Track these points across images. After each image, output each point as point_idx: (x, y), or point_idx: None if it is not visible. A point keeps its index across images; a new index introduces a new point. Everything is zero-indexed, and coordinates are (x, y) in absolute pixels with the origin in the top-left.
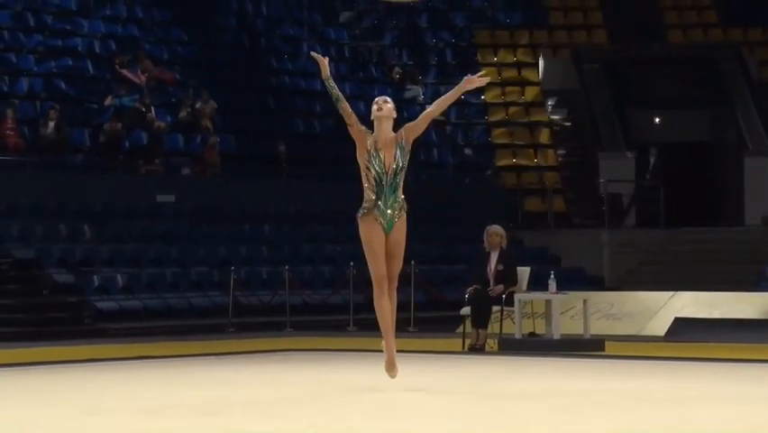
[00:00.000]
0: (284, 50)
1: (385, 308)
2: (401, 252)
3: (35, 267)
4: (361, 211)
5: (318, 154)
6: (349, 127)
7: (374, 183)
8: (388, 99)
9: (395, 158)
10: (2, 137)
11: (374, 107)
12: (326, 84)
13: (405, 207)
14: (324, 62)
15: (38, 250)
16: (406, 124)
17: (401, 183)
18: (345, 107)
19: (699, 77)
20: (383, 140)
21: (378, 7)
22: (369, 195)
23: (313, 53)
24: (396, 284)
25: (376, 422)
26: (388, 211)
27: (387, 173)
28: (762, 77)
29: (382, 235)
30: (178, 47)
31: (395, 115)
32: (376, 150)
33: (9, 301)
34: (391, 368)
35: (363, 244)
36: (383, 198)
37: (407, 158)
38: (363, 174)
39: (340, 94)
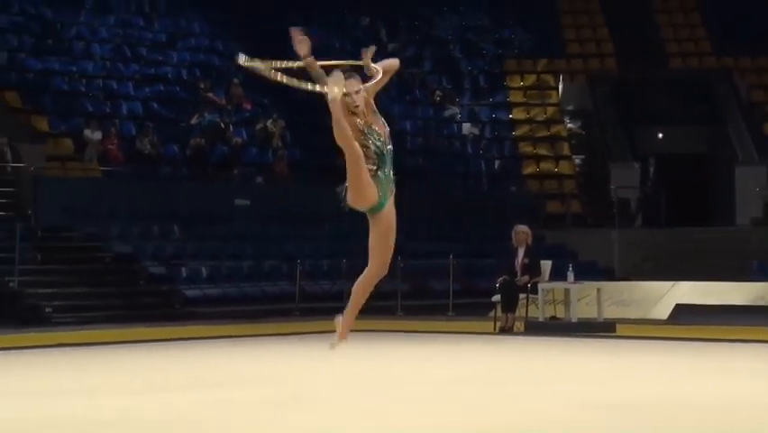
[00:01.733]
0: None
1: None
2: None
3: (133, 261)
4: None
5: None
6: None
7: (375, 157)
8: (359, 84)
9: (384, 124)
10: (106, 151)
11: (348, 100)
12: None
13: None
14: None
15: (135, 246)
16: (368, 87)
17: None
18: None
19: (696, 97)
20: (370, 115)
21: (418, 39)
22: (368, 165)
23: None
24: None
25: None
26: (388, 184)
27: (385, 143)
28: (750, 98)
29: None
30: (248, 75)
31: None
32: (368, 126)
33: (111, 289)
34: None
35: (382, 223)
36: (384, 168)
37: None
38: (357, 152)
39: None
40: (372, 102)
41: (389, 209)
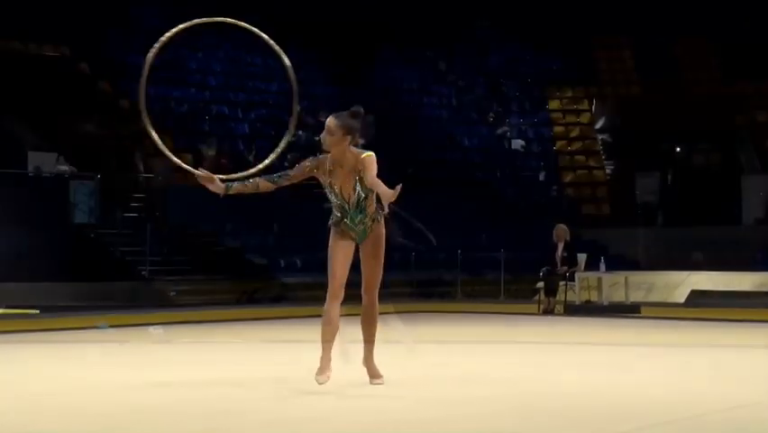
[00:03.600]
0: (411, 102)
1: (332, 318)
2: (378, 262)
3: (241, 253)
4: (331, 220)
5: (434, 176)
6: (306, 173)
7: (338, 209)
8: (330, 120)
9: (354, 190)
10: (219, 164)
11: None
12: (244, 186)
13: (380, 217)
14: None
15: (243, 241)
16: (368, 163)
17: (369, 204)
18: (290, 177)
19: (709, 118)
20: (337, 172)
21: (473, 69)
22: (335, 212)
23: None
24: (375, 296)
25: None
26: (359, 226)
27: (348, 202)
28: (755, 117)
29: (350, 245)
30: (338, 100)
31: (341, 133)
32: (330, 184)
33: (223, 276)
34: (320, 372)
35: (329, 250)
36: (349, 217)
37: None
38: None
39: (269, 178)
40: (361, 169)
41: (368, 245)
